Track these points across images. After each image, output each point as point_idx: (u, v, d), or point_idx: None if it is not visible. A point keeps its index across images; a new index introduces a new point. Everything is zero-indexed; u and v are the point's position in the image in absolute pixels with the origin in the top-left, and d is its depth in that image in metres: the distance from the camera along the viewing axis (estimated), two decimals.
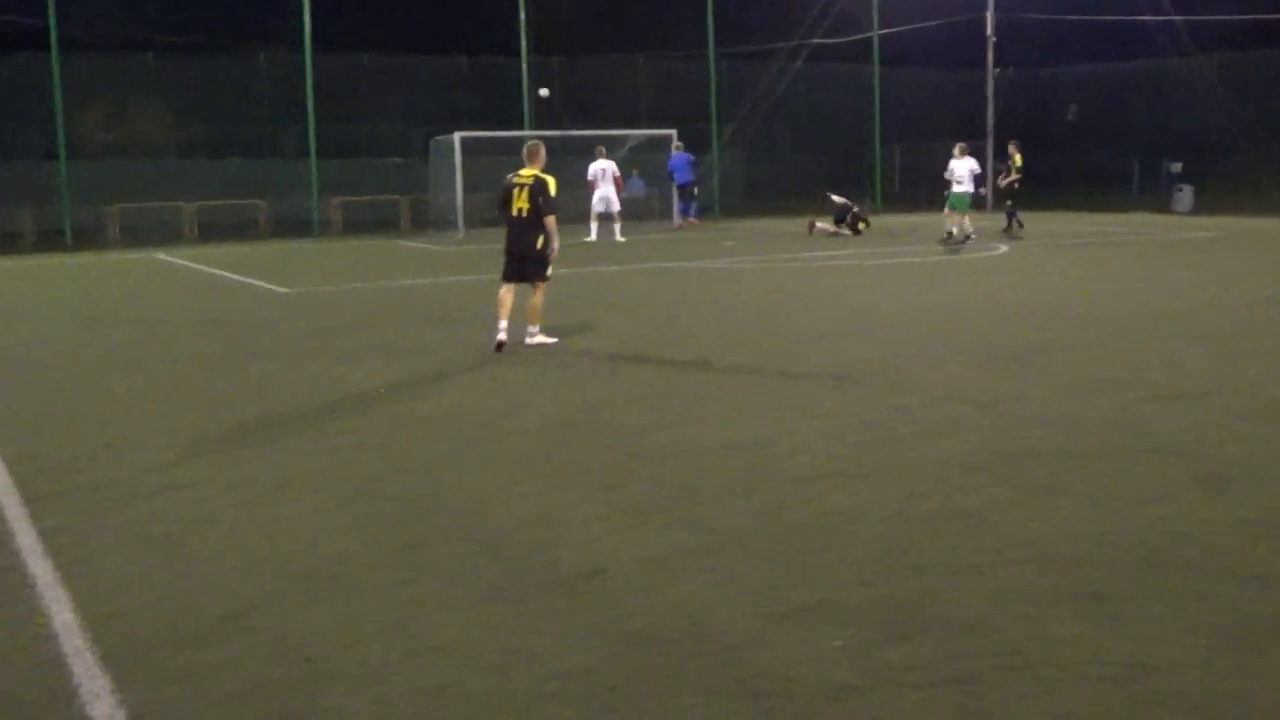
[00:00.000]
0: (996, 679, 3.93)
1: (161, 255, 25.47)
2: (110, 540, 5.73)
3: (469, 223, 28.78)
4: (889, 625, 4.41)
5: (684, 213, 30.77)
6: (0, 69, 30.13)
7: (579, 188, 25.62)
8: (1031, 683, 3.91)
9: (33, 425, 8.57)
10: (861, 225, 26.38)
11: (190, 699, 3.97)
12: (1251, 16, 33.16)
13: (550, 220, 11.07)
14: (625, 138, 31.18)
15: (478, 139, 28.94)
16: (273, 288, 18.21)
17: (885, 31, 37.26)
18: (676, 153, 30.22)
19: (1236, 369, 9.65)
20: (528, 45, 33.41)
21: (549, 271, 11.36)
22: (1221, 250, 21.61)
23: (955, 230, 23.47)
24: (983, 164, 28.58)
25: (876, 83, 37.61)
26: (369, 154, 34.58)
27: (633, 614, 4.60)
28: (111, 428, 8.33)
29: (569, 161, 25.13)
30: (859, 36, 36.98)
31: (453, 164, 28.40)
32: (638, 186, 32.39)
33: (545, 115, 33.18)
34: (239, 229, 30.44)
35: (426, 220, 31.21)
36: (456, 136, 28.38)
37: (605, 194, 26.25)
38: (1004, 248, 22.35)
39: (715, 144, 35.54)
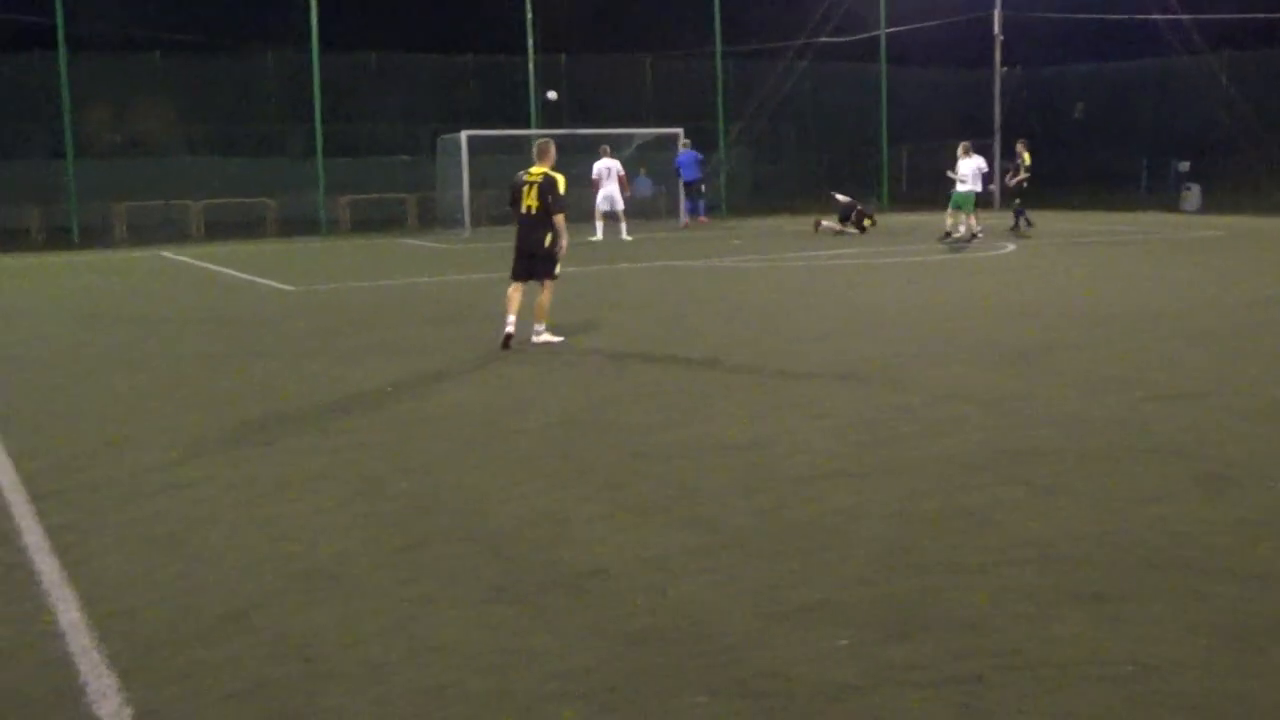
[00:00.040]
0: (997, 679, 3.93)
1: (168, 254, 25.51)
2: (113, 539, 5.75)
3: (476, 221, 28.86)
4: (890, 625, 4.41)
5: (691, 211, 30.75)
6: (7, 68, 30.26)
7: (585, 186, 25.63)
8: (1032, 682, 3.91)
9: (34, 423, 8.59)
10: (868, 223, 26.36)
11: (191, 698, 3.98)
12: (1259, 15, 33.07)
13: (559, 218, 11.12)
14: (632, 137, 31.20)
15: (484, 137, 29.00)
16: (278, 286, 18.23)
17: (892, 30, 37.18)
18: (684, 150, 30.21)
19: (1237, 369, 9.63)
20: (534, 44, 33.45)
21: (557, 270, 11.40)
22: (1228, 250, 21.55)
23: (962, 229, 23.44)
24: (990, 163, 28.54)
25: (883, 82, 37.54)
26: (376, 152, 34.69)
27: (633, 614, 4.61)
28: (114, 426, 8.35)
29: (575, 160, 25.13)
30: (865, 35, 36.93)
31: (459, 162, 28.43)
32: (645, 185, 32.36)
33: (551, 114, 33.18)
34: (246, 228, 30.48)
35: (433, 218, 31.25)
36: (463, 135, 28.41)
37: (610, 193, 26.27)
38: (1011, 246, 22.32)
39: (722, 143, 35.49)
